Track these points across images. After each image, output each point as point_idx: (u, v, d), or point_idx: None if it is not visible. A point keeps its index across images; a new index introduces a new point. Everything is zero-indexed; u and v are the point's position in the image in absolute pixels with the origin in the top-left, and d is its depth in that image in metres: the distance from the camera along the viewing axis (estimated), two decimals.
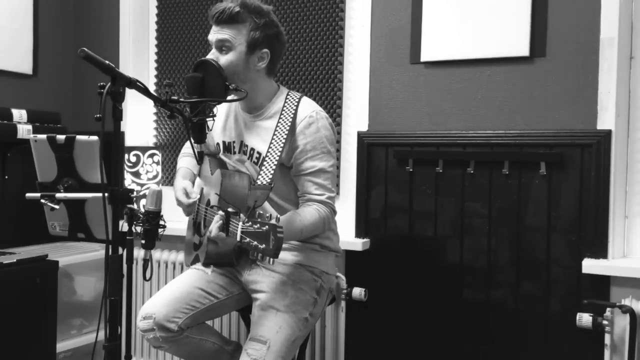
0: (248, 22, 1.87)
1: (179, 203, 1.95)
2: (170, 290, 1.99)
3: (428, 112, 2.43)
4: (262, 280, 1.95)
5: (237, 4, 1.85)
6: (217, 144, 2.08)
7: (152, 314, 1.91)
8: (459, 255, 2.37)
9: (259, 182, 1.82)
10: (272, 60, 1.94)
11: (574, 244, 2.18)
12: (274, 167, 1.84)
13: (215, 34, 1.89)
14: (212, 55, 1.89)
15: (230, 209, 1.66)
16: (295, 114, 1.90)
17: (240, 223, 1.56)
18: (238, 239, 1.57)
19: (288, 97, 1.96)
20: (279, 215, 1.59)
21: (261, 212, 1.60)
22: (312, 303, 1.94)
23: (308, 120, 1.90)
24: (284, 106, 1.93)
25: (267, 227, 1.52)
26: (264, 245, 1.51)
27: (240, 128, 2.01)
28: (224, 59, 1.87)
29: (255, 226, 1.53)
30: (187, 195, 1.94)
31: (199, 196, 1.99)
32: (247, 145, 1.98)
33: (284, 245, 1.91)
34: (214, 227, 1.70)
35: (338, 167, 2.64)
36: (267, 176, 1.83)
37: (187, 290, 1.98)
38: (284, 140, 1.87)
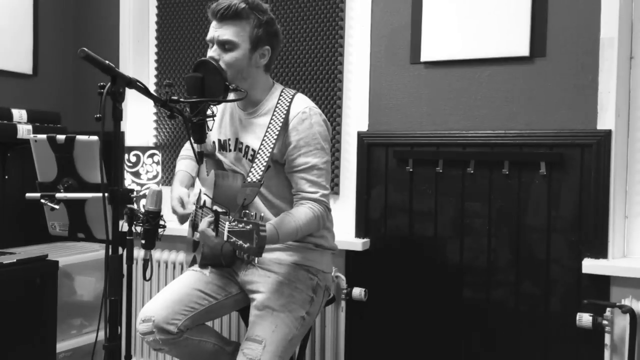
0: (252, 19, 1.87)
1: (174, 212, 1.95)
2: (169, 292, 1.98)
3: (428, 112, 2.43)
4: (258, 280, 1.95)
5: (241, 1, 1.85)
6: (213, 142, 2.09)
7: (151, 316, 1.91)
8: (459, 255, 2.37)
9: (249, 179, 1.82)
10: (271, 57, 1.95)
11: (574, 244, 2.18)
12: (264, 163, 1.83)
13: (218, 30, 1.87)
14: (214, 52, 1.87)
15: (218, 209, 1.66)
16: (288, 110, 1.90)
17: (227, 223, 1.57)
18: (225, 238, 1.57)
19: (282, 93, 1.96)
20: (262, 214, 1.58)
21: (248, 211, 1.60)
22: (309, 302, 1.94)
23: (301, 116, 1.89)
24: (277, 102, 1.93)
25: (250, 225, 1.52)
26: (248, 244, 1.52)
27: (235, 126, 2.01)
28: (228, 57, 1.86)
29: (240, 225, 1.54)
30: (182, 204, 1.94)
31: (194, 207, 1.98)
32: (242, 143, 1.98)
33: (279, 246, 1.93)
34: (203, 222, 1.72)
35: (338, 167, 2.65)
36: (258, 173, 1.83)
37: (186, 292, 1.97)
38: (276, 136, 1.86)
